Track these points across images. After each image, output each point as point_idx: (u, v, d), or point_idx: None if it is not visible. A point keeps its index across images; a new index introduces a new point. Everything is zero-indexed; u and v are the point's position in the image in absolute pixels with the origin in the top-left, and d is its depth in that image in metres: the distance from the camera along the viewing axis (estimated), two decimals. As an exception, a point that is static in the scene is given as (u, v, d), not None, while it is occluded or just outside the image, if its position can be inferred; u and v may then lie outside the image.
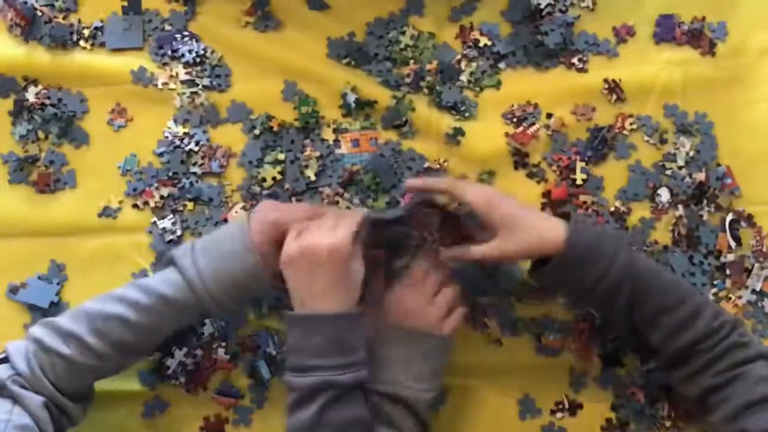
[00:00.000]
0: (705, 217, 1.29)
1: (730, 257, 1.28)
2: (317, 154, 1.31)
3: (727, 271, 1.27)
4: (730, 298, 1.27)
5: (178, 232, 1.29)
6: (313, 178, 1.31)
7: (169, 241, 1.29)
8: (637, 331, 1.10)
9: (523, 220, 1.10)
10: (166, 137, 1.32)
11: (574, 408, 1.26)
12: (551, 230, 1.09)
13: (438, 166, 1.31)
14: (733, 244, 1.28)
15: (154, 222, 1.29)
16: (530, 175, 1.32)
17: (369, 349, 1.09)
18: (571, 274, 1.09)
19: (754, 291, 1.27)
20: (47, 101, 1.32)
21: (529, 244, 1.09)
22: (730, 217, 1.29)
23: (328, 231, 1.07)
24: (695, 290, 1.17)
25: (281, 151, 1.32)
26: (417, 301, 1.14)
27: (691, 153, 1.31)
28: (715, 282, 1.27)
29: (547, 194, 1.31)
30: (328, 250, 1.05)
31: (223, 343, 1.26)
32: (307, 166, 1.31)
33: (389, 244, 1.20)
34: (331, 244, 1.05)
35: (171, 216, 1.30)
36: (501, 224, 1.09)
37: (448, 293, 1.15)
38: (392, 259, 1.20)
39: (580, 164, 1.31)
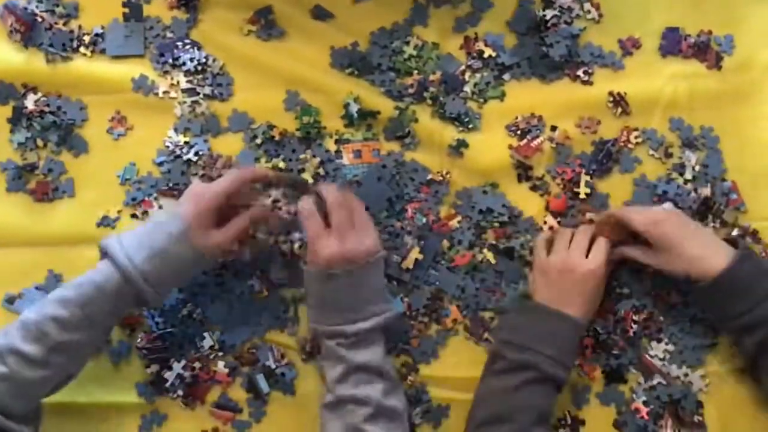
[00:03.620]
0: (710, 232, 1.28)
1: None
2: (317, 160, 1.31)
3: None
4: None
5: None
6: (310, 181, 1.30)
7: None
8: (757, 377, 1.20)
9: (682, 246, 1.16)
10: (167, 147, 1.31)
11: (576, 424, 1.24)
12: (712, 259, 1.15)
13: (441, 177, 1.30)
14: (738, 259, 1.27)
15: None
16: (534, 188, 1.31)
17: None
18: (714, 302, 1.17)
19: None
20: (46, 109, 1.31)
21: (683, 270, 1.16)
22: (735, 232, 1.28)
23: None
24: None
25: (283, 160, 1.31)
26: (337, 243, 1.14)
27: (697, 167, 1.30)
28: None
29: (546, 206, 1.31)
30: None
31: (221, 354, 1.25)
32: (303, 170, 1.30)
33: None
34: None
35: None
36: (660, 245, 1.18)
37: (358, 215, 1.18)
38: None
39: (584, 177, 1.30)
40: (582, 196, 1.29)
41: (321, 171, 1.30)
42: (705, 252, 1.16)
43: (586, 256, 1.21)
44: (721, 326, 1.24)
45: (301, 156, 1.31)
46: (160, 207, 1.29)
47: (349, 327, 1.12)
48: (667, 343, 1.25)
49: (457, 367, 1.25)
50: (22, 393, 1.04)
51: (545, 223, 1.29)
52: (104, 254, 1.10)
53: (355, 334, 1.11)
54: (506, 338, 1.18)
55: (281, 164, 1.30)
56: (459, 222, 1.29)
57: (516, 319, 1.22)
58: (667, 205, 1.26)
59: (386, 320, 1.14)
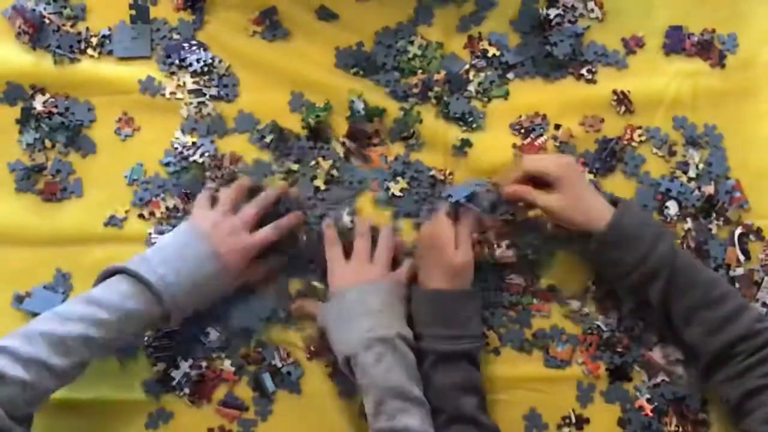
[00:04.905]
0: (714, 231, 1.28)
1: (739, 271, 1.27)
2: (329, 162, 1.31)
3: (737, 285, 1.26)
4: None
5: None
6: (323, 187, 1.31)
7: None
8: (674, 328, 1.18)
9: (583, 193, 1.18)
10: (174, 147, 1.32)
11: (581, 422, 1.24)
12: (599, 211, 1.17)
13: (443, 177, 1.31)
14: (741, 257, 1.27)
15: (151, 233, 1.30)
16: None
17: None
18: (610, 255, 1.17)
19: (764, 304, 1.26)
20: (54, 110, 1.32)
21: (581, 220, 1.18)
22: (738, 230, 1.28)
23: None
24: (737, 291, 1.22)
25: (294, 162, 1.32)
26: (357, 268, 1.23)
27: (701, 165, 1.30)
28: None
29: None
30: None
31: (224, 355, 1.26)
32: (316, 177, 1.31)
33: None
34: None
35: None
36: (567, 189, 1.18)
37: (382, 247, 1.25)
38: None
39: (588, 176, 1.30)
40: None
41: (335, 173, 1.31)
42: (597, 203, 1.18)
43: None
44: (620, 284, 1.22)
45: (312, 163, 1.31)
46: (175, 209, 1.30)
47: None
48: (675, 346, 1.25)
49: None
50: (37, 400, 1.05)
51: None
52: (137, 279, 1.11)
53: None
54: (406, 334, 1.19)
55: (294, 167, 1.31)
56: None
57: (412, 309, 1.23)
58: None
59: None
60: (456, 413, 1.12)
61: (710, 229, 1.28)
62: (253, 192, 1.27)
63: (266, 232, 1.22)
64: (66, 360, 1.04)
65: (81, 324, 1.06)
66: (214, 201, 1.24)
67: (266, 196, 1.25)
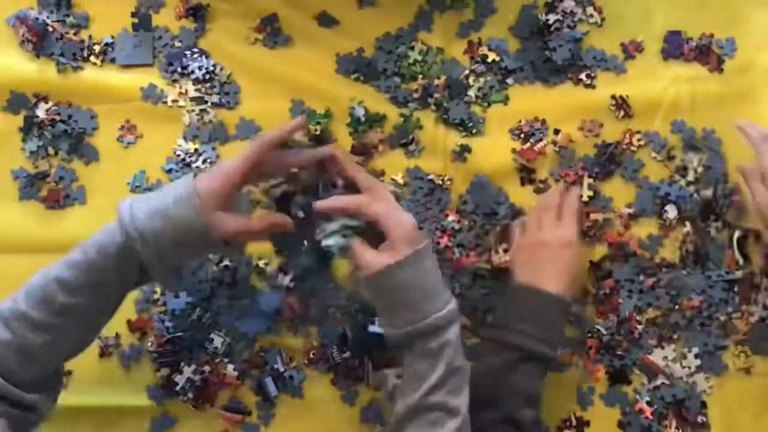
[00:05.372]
0: (713, 234, 1.29)
1: (738, 274, 1.27)
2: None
3: (736, 288, 1.27)
4: (741, 315, 1.26)
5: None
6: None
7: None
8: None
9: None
10: (177, 155, 1.33)
11: (581, 425, 1.25)
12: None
13: (441, 182, 1.32)
14: (741, 260, 1.28)
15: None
16: (537, 192, 1.32)
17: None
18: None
19: (765, 306, 1.27)
20: (57, 117, 1.33)
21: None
22: (737, 234, 1.28)
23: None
24: None
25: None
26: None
27: (699, 169, 1.31)
28: (727, 299, 1.27)
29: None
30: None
31: (227, 360, 1.27)
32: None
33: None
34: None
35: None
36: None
37: None
38: None
39: (587, 180, 1.31)
40: (585, 198, 1.30)
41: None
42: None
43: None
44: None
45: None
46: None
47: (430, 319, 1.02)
48: (675, 349, 1.26)
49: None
50: (29, 359, 0.99)
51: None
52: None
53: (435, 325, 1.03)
54: (490, 321, 1.21)
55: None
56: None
57: (498, 301, 1.23)
58: None
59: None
60: (513, 417, 1.10)
61: (709, 233, 1.29)
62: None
63: (248, 151, 1.07)
64: (44, 310, 0.99)
65: (56, 267, 1.01)
66: None
67: (264, 138, 1.10)
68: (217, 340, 1.27)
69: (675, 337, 1.26)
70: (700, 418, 1.24)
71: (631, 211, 1.30)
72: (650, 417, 1.24)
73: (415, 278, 1.03)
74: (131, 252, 1.00)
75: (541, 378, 1.15)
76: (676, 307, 1.27)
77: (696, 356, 1.25)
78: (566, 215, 1.25)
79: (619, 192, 1.31)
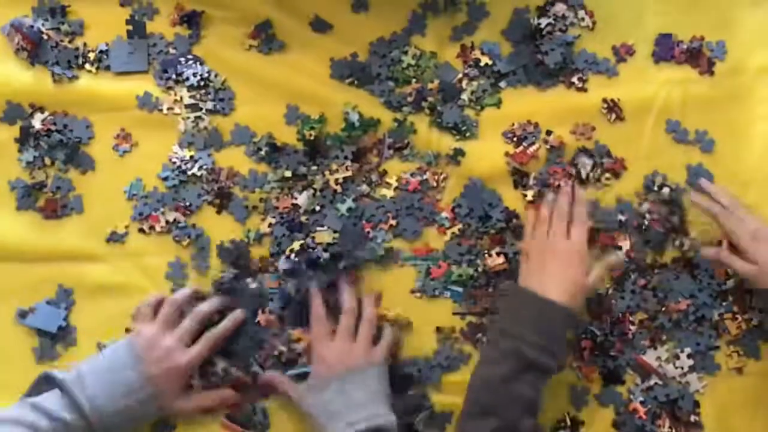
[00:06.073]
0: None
1: (730, 283, 1.28)
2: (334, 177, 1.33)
3: (730, 298, 1.28)
4: (737, 319, 1.27)
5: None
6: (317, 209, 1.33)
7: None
8: None
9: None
10: (173, 162, 1.33)
11: (576, 425, 1.26)
12: None
13: (436, 184, 1.33)
14: (731, 271, 1.28)
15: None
16: (536, 196, 1.32)
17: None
18: None
19: (760, 311, 1.28)
20: (53, 127, 1.33)
21: None
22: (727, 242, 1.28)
23: None
24: None
25: (287, 169, 1.33)
26: (340, 349, 1.22)
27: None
28: (723, 303, 1.28)
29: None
30: None
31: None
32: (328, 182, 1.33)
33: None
34: None
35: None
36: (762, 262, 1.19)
37: (365, 326, 1.24)
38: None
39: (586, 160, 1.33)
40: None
41: (338, 189, 1.33)
42: None
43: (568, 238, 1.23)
44: None
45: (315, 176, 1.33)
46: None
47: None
48: (668, 349, 1.27)
49: (455, 371, 1.28)
50: None
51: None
52: (67, 394, 1.13)
53: None
54: (495, 322, 1.20)
55: (287, 173, 1.33)
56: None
57: (501, 303, 1.22)
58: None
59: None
60: (512, 426, 1.10)
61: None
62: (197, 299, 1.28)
63: (199, 348, 1.22)
64: None
65: (20, 429, 1.09)
66: (158, 306, 1.26)
67: (202, 311, 1.25)
68: (220, 365, 1.25)
69: (663, 338, 1.27)
70: (693, 418, 1.25)
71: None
72: (644, 417, 1.25)
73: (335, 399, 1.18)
74: None
75: (541, 387, 1.14)
76: (663, 309, 1.28)
77: (689, 356, 1.26)
78: (576, 226, 1.25)
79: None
